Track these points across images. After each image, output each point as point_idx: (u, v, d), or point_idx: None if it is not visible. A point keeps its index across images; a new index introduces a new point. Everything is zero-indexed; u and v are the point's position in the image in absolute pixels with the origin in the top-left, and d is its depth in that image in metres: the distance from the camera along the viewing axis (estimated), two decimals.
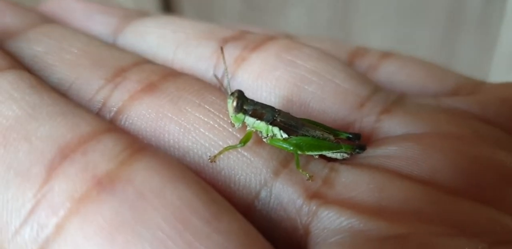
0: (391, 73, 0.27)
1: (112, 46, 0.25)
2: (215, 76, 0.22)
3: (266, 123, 0.20)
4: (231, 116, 0.20)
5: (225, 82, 0.20)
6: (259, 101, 0.21)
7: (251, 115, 0.20)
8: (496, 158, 0.20)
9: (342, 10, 0.56)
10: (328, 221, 0.18)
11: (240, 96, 0.20)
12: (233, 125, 0.20)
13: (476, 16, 0.52)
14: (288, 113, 0.21)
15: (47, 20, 0.27)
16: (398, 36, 0.56)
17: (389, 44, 0.56)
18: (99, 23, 0.26)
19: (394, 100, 0.23)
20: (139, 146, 0.18)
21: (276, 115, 0.20)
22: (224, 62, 0.21)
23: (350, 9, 0.56)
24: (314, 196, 0.19)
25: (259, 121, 0.20)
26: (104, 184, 0.16)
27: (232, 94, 0.20)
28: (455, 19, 0.53)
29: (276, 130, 0.20)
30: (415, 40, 0.56)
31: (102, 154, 0.17)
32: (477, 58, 0.55)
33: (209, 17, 0.60)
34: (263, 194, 0.19)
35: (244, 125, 0.20)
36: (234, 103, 0.19)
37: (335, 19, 0.57)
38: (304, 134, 0.21)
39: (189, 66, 0.24)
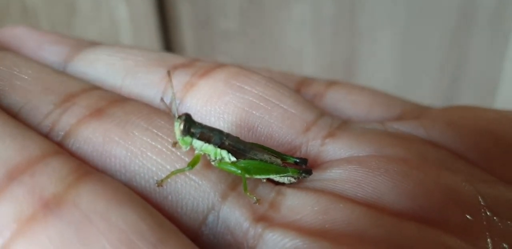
0: (336, 100, 0.28)
1: (62, 73, 0.25)
2: (162, 100, 0.22)
3: (214, 146, 0.20)
4: (178, 139, 0.20)
5: (173, 106, 0.20)
6: (208, 125, 0.21)
7: (199, 138, 0.20)
8: (441, 180, 0.21)
9: (348, 7, 0.54)
10: (272, 243, 0.18)
11: (188, 119, 0.20)
12: (179, 147, 0.20)
13: (488, 16, 0.51)
14: (237, 137, 0.21)
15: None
16: (406, 35, 0.55)
17: (397, 43, 0.55)
18: (51, 52, 0.26)
19: (339, 124, 0.24)
20: (85, 170, 0.18)
21: (224, 138, 0.20)
22: (171, 86, 0.21)
23: (356, 6, 0.54)
24: (261, 219, 0.19)
25: (207, 144, 0.20)
26: (50, 206, 0.16)
27: (180, 117, 0.20)
28: (466, 18, 0.52)
29: (224, 153, 0.20)
30: (424, 40, 0.55)
31: (50, 177, 0.17)
32: (489, 58, 0.54)
33: (208, 15, 0.57)
34: (210, 218, 0.19)
35: (192, 148, 0.20)
36: (181, 126, 0.20)
37: (341, 16, 0.55)
38: (252, 157, 0.21)
39: (137, 92, 0.24)
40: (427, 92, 0.59)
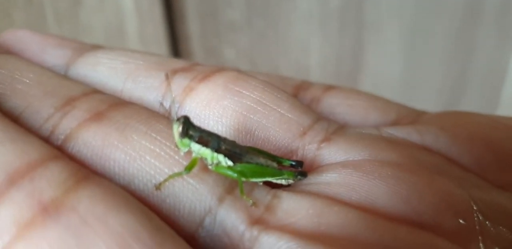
0: (333, 105, 0.28)
1: (63, 76, 0.25)
2: (161, 104, 0.22)
3: (212, 150, 0.21)
4: (177, 141, 0.20)
5: (172, 109, 0.21)
6: (206, 129, 0.21)
7: (197, 142, 0.20)
8: (434, 184, 0.21)
9: None
10: (268, 246, 0.18)
11: (186, 122, 0.20)
12: (177, 147, 0.20)
13: (496, 6, 0.51)
14: (234, 141, 0.21)
15: (1, 50, 0.27)
16: (413, 27, 0.55)
17: (404, 36, 0.55)
18: (53, 56, 0.27)
19: (335, 129, 0.24)
20: (84, 174, 0.19)
21: (222, 143, 0.21)
22: (170, 89, 0.21)
23: None
24: (257, 222, 0.19)
25: (204, 148, 0.21)
26: (49, 210, 0.17)
27: (178, 119, 0.20)
28: (474, 9, 0.52)
29: (221, 157, 0.21)
30: (431, 33, 0.55)
31: (49, 181, 0.18)
32: (497, 50, 0.54)
33: (214, 5, 0.57)
34: (207, 221, 0.19)
35: (189, 152, 0.21)
36: (180, 128, 0.20)
37: (348, 8, 0.54)
38: (248, 161, 0.21)
39: (137, 96, 0.25)
40: (434, 85, 0.58)
